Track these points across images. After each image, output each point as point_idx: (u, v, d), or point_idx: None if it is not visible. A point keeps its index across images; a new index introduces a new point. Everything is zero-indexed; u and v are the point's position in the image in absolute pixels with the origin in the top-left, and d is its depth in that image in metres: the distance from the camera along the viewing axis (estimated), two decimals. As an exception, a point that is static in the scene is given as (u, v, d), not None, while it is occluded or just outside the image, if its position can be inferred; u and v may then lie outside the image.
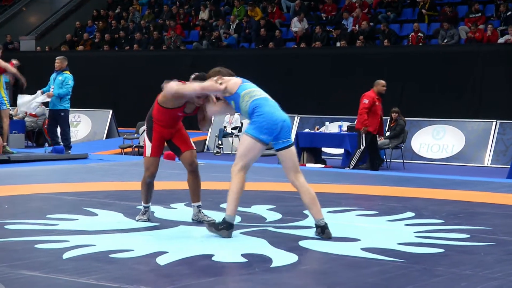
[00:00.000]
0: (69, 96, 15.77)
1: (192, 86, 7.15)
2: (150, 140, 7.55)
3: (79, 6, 31.00)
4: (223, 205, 8.78)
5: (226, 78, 7.15)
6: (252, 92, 7.03)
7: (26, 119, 20.32)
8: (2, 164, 13.48)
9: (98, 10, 29.93)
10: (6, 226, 7.40)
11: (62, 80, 15.60)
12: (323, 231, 7.03)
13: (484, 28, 21.15)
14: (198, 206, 7.71)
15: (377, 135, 15.82)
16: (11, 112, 16.76)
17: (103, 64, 25.25)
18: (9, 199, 9.40)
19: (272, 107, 7.02)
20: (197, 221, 7.69)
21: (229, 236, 6.91)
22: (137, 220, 7.72)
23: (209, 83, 7.10)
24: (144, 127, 7.87)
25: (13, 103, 18.08)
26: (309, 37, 23.61)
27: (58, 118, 15.95)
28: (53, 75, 15.85)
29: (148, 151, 7.56)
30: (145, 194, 7.72)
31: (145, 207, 7.78)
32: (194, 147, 7.71)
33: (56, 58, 16.03)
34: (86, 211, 8.33)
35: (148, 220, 7.76)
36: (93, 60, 25.64)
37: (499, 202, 9.84)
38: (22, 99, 16.06)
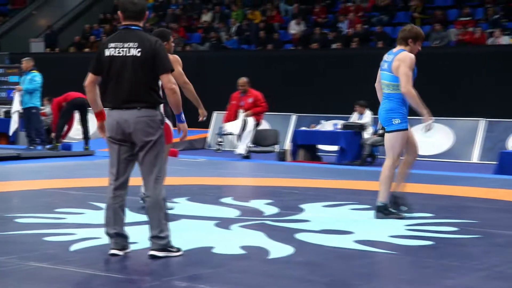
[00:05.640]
0: (39, 94, 16.74)
1: None
2: None
3: (87, 10, 31.38)
4: (222, 200, 9.06)
5: None
6: None
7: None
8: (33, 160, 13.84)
9: (104, 13, 30.24)
10: (16, 220, 7.63)
11: (30, 78, 16.55)
12: None
13: (473, 30, 21.46)
14: None
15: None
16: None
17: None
18: (19, 194, 9.64)
19: None
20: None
21: None
22: None
23: None
24: None
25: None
26: (306, 39, 23.89)
27: (31, 116, 16.74)
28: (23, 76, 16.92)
29: None
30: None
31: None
32: None
33: (22, 60, 17.15)
34: (93, 205, 8.53)
35: None
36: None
37: (487, 197, 10.07)
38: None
